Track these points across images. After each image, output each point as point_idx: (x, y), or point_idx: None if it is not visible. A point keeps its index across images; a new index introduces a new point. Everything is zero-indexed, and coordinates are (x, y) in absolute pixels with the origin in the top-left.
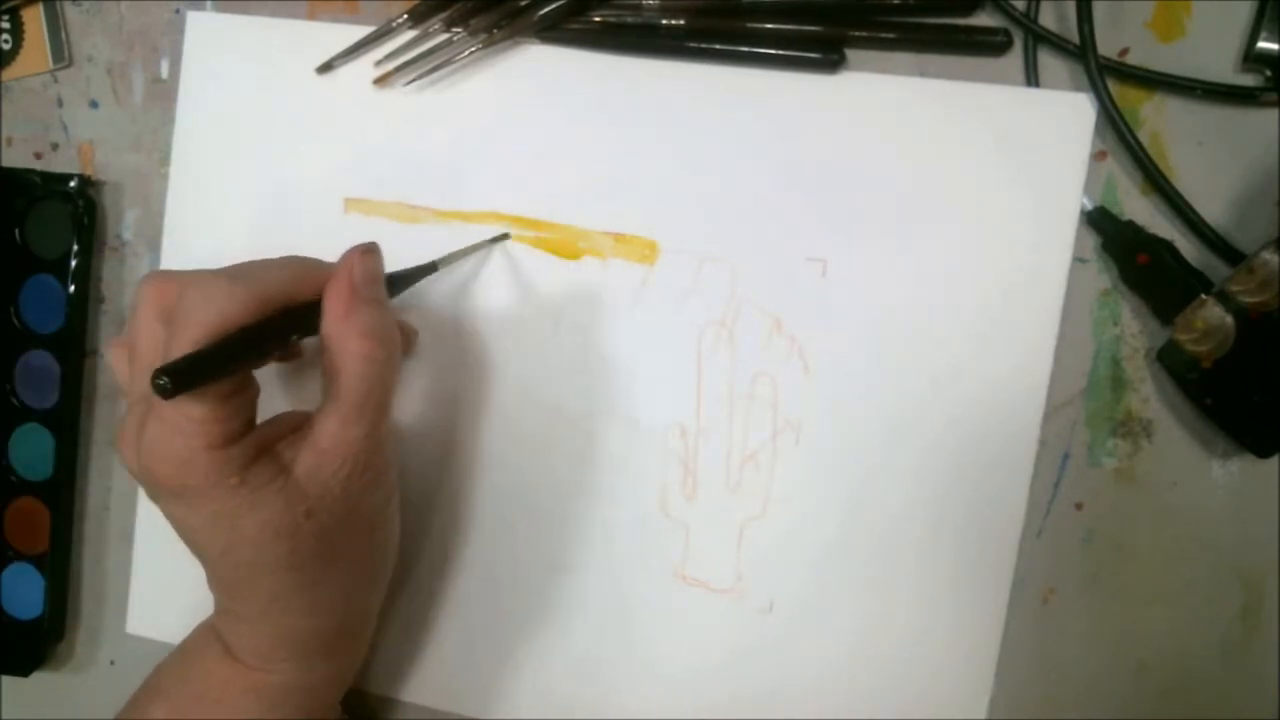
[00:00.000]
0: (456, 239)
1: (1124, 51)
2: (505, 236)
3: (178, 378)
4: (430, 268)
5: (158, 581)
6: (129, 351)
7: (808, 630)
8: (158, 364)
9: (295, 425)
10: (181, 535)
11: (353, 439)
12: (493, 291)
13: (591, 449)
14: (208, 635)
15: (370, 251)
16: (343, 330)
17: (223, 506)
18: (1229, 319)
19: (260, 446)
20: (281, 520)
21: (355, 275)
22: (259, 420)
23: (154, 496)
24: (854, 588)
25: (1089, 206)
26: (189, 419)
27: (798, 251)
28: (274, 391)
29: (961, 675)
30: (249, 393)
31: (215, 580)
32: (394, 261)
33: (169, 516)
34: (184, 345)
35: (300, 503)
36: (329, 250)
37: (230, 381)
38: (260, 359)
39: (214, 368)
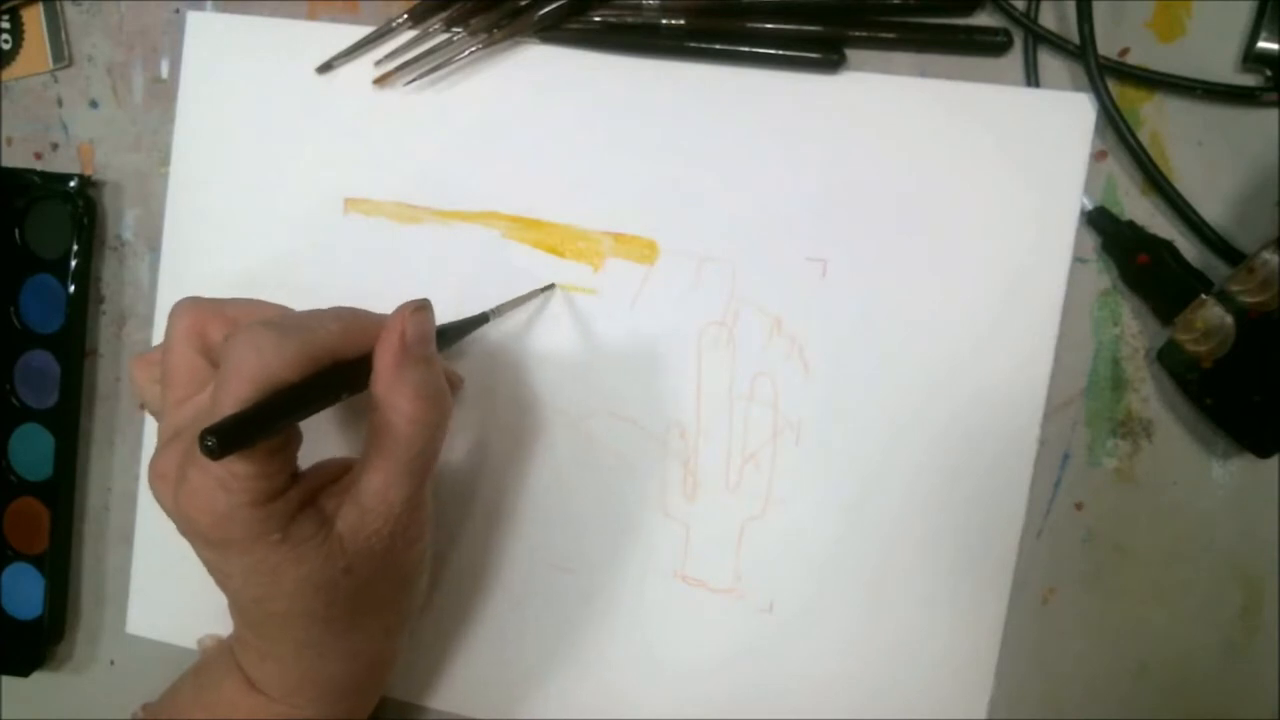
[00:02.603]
0: (456, 239)
1: (1124, 51)
2: (552, 287)
3: (225, 438)
4: (482, 319)
5: (158, 581)
6: (162, 375)
7: (808, 630)
8: (194, 395)
9: (336, 474)
10: (214, 577)
11: (397, 499)
12: (491, 293)
13: (591, 449)
14: (227, 664)
15: (422, 309)
16: (393, 390)
17: (263, 560)
18: (1229, 319)
19: (303, 500)
20: (321, 576)
21: (407, 334)
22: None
23: (188, 538)
24: (854, 588)
25: (1089, 206)
26: (233, 475)
27: (798, 251)
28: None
29: (961, 675)
30: (293, 446)
31: (245, 621)
32: (394, 261)
33: (203, 559)
34: (230, 400)
35: (340, 559)
36: (328, 251)
37: (276, 437)
38: (307, 415)
39: (262, 427)
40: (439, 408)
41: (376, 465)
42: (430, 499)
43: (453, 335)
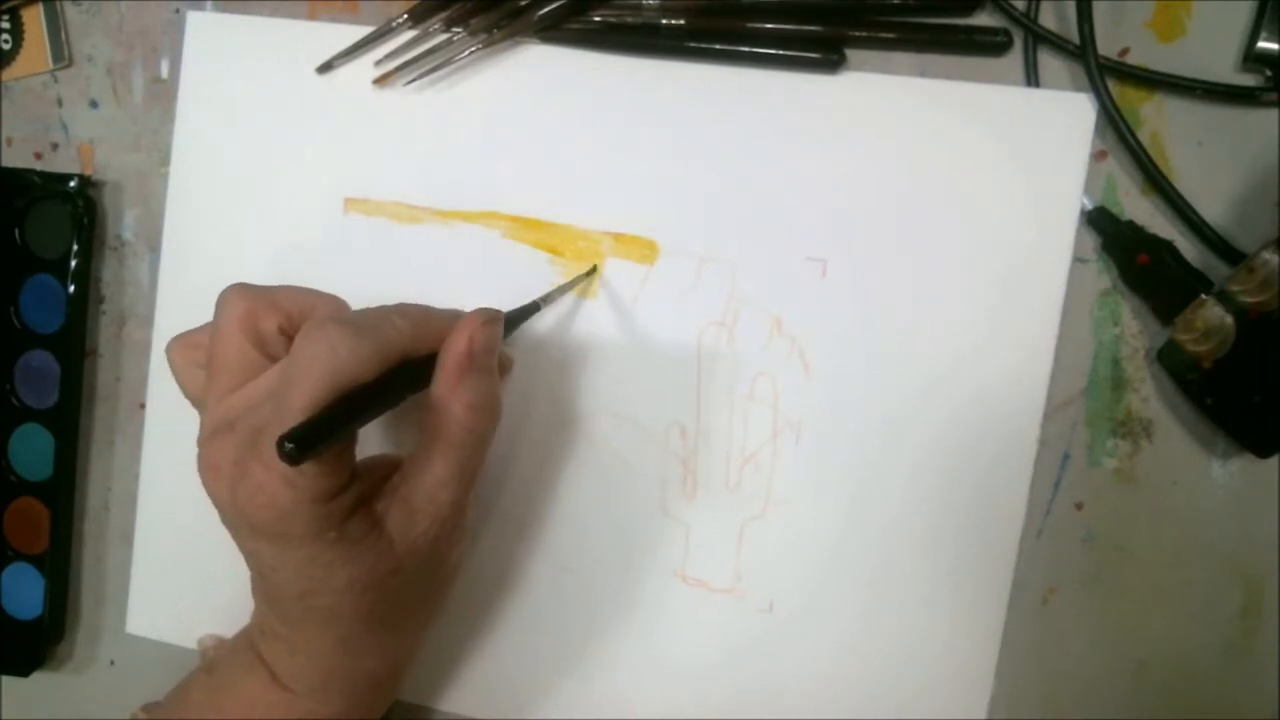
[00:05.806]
0: (456, 239)
1: (1124, 51)
2: (594, 270)
3: (304, 443)
4: (534, 307)
5: (158, 581)
6: (209, 362)
7: (808, 630)
8: (242, 384)
9: (386, 473)
10: (257, 569)
11: (445, 501)
12: (491, 293)
13: (591, 449)
14: (246, 659)
15: (493, 322)
16: (452, 397)
17: (317, 556)
18: (1229, 319)
19: (358, 498)
20: (371, 575)
21: (475, 343)
22: None
23: (236, 531)
24: (854, 588)
25: (1089, 206)
26: (300, 471)
27: (798, 251)
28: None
29: (961, 675)
30: (353, 442)
31: (279, 614)
32: (394, 260)
33: (249, 551)
34: (303, 399)
35: (390, 560)
36: (328, 251)
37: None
38: (377, 415)
39: (338, 429)
40: (493, 418)
41: (428, 468)
42: (473, 506)
43: (507, 326)
